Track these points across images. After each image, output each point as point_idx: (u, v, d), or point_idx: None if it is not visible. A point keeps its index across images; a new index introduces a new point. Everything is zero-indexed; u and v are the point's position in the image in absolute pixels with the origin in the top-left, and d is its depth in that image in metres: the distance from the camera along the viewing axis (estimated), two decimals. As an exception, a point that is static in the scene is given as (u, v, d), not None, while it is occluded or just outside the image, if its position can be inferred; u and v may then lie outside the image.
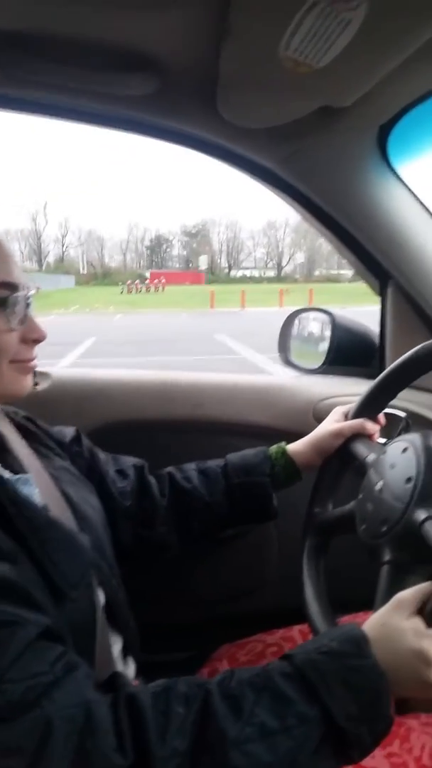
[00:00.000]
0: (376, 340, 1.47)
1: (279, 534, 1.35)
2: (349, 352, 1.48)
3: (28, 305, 0.78)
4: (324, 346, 1.52)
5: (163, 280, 44.55)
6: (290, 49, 0.77)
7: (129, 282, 47.61)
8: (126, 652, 0.90)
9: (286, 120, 0.99)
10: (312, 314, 1.62)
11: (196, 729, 0.59)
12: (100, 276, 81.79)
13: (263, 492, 1.07)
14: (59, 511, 0.83)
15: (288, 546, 1.32)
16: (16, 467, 0.83)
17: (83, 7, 0.78)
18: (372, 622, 0.68)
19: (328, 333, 1.52)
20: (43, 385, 1.30)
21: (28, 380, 0.81)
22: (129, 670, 0.91)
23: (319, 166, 1.16)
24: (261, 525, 1.24)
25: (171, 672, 0.68)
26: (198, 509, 1.07)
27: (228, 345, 13.28)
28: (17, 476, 0.81)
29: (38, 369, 1.21)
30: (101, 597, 0.83)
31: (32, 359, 0.81)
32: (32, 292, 0.80)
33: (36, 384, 0.85)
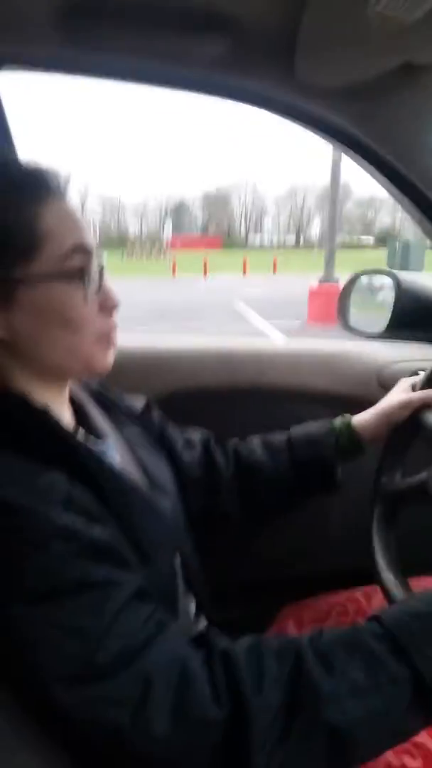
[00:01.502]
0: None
1: (341, 495, 1.36)
2: (414, 316, 1.45)
3: (101, 272, 0.76)
4: (387, 309, 1.49)
5: (169, 247, 43.88)
6: (381, 4, 0.74)
7: (129, 246, 47.59)
8: (199, 611, 0.93)
9: (365, 77, 0.95)
10: (374, 278, 1.58)
11: (290, 684, 0.61)
12: (116, 241, 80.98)
13: (328, 465, 1.07)
14: (136, 477, 0.85)
15: (349, 508, 1.33)
16: (97, 435, 0.85)
17: None
18: None
19: (391, 297, 1.49)
20: None
21: (111, 355, 0.79)
22: (200, 628, 0.94)
23: (394, 123, 1.12)
24: None
25: (239, 630, 0.70)
26: (262, 482, 1.08)
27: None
28: (100, 442, 0.83)
29: None
30: (178, 561, 0.85)
31: (114, 328, 0.79)
32: (103, 258, 0.78)
33: None
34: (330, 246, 13.95)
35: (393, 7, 0.74)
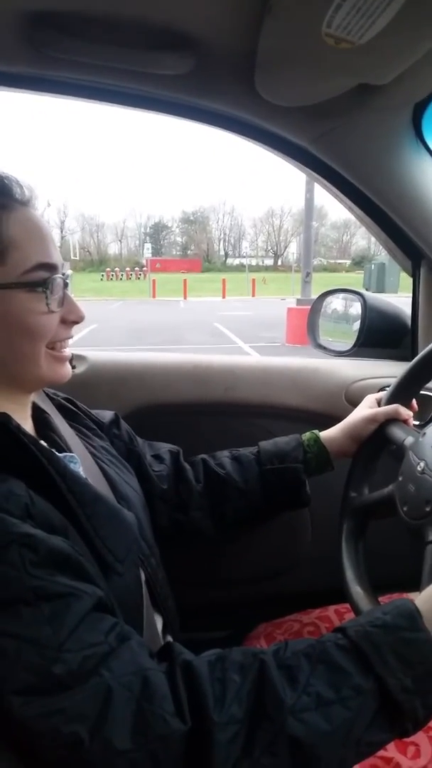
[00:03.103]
0: (408, 321, 1.46)
1: (312, 515, 1.36)
2: (380, 334, 1.47)
3: (66, 286, 0.77)
4: (354, 327, 1.51)
5: (146, 269, 44.32)
6: (333, 26, 0.76)
7: (108, 270, 48.02)
8: (165, 630, 0.92)
9: (323, 98, 0.97)
10: (342, 296, 1.61)
11: (253, 697, 0.60)
12: (96, 262, 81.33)
13: (296, 478, 1.08)
14: (101, 489, 0.84)
15: (321, 527, 1.33)
16: (61, 446, 0.84)
17: None
18: (423, 598, 0.68)
19: (357, 314, 1.51)
20: (80, 368, 1.32)
21: (67, 368, 0.80)
22: None
23: (353, 145, 1.15)
24: None
25: (210, 649, 0.68)
26: (232, 495, 1.08)
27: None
28: (63, 454, 0.82)
29: (75, 352, 1.22)
30: (142, 575, 0.84)
31: (69, 338, 0.80)
32: (69, 272, 0.79)
33: (73, 367, 0.85)
34: (306, 268, 14.19)
35: (345, 28, 0.77)
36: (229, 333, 13.81)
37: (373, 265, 26.66)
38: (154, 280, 29.07)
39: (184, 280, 27.58)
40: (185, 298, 25.92)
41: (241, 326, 14.87)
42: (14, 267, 0.71)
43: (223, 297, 26.48)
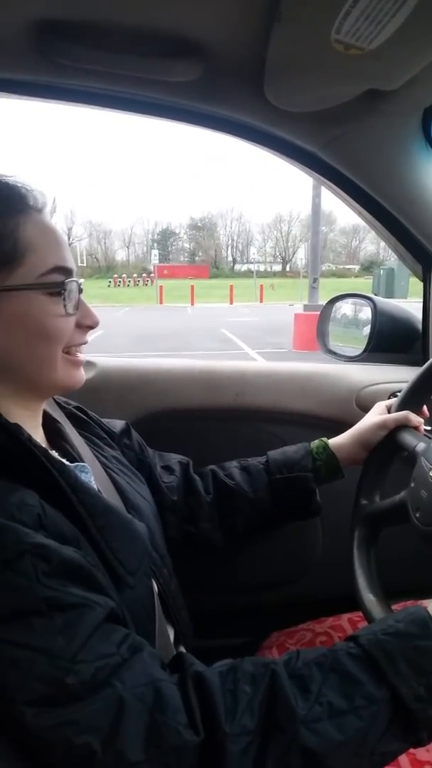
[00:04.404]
0: (419, 325, 1.45)
1: (324, 523, 1.35)
2: (391, 339, 1.46)
3: (80, 291, 0.78)
4: (364, 332, 1.51)
5: (153, 275, 44.51)
6: (342, 32, 0.76)
7: (116, 276, 48.15)
8: (177, 641, 0.91)
9: (333, 103, 0.97)
10: (351, 300, 1.61)
11: (265, 708, 0.59)
12: (104, 269, 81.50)
13: (306, 487, 1.07)
14: (112, 499, 0.84)
15: (333, 535, 1.32)
16: (72, 456, 0.84)
17: None
18: None
19: (367, 319, 1.51)
20: (89, 375, 1.32)
21: (81, 373, 0.81)
22: None
23: (362, 149, 1.15)
24: None
25: (221, 659, 0.68)
26: (242, 506, 1.08)
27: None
28: (74, 464, 0.82)
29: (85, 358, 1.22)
30: (154, 586, 0.84)
31: (85, 343, 0.81)
32: (82, 279, 0.80)
33: None
34: (313, 273, 14.15)
35: (354, 35, 0.77)
36: (236, 339, 13.78)
37: (382, 271, 26.56)
38: (161, 287, 29.12)
39: (192, 286, 27.64)
40: (192, 304, 25.96)
41: (248, 332, 14.84)
42: (32, 269, 0.72)
43: (231, 303, 26.51)
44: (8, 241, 0.71)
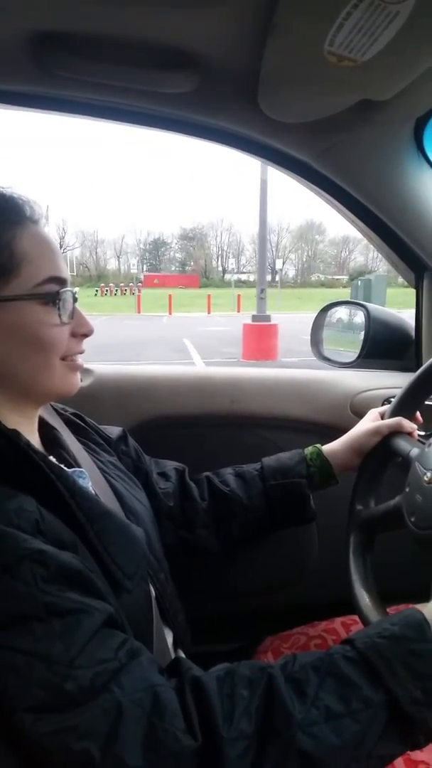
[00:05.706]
0: (412, 332, 1.47)
1: (319, 527, 1.35)
2: (384, 345, 1.48)
3: (75, 300, 0.79)
4: (357, 339, 1.52)
5: (140, 284, 44.70)
6: (335, 45, 0.78)
7: (102, 285, 48.63)
8: (176, 645, 0.92)
9: (326, 114, 0.99)
10: (345, 307, 1.62)
11: (262, 712, 0.60)
12: (95, 278, 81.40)
13: (300, 493, 1.08)
14: (110, 504, 0.84)
15: (327, 540, 1.33)
16: (70, 461, 0.85)
17: (128, 6, 0.78)
18: (431, 608, 0.68)
19: (360, 325, 1.52)
20: (85, 382, 1.32)
21: (78, 378, 0.82)
22: None
23: (355, 159, 1.16)
24: None
25: (218, 664, 0.68)
26: (237, 512, 1.08)
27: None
28: (72, 469, 0.82)
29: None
30: (151, 590, 0.84)
31: (81, 353, 0.82)
32: (76, 289, 0.81)
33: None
34: (261, 284, 13.85)
35: (347, 47, 0.78)
36: (192, 349, 13.60)
37: (360, 282, 26.70)
38: (138, 296, 29.66)
39: (170, 296, 27.94)
40: (170, 313, 26.17)
41: (209, 342, 14.70)
42: (27, 280, 0.73)
43: (209, 312, 26.68)
44: (4, 252, 0.71)
